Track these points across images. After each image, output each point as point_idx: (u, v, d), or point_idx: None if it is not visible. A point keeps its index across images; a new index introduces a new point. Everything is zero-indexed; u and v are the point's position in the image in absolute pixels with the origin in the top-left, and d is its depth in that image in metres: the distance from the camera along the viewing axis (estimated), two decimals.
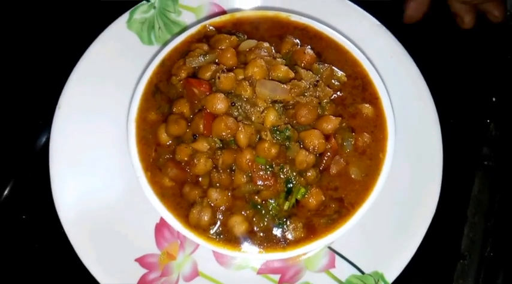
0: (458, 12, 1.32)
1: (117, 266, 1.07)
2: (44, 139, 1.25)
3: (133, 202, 1.11)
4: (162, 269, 1.09)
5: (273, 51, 1.08)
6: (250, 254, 0.97)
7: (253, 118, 0.96)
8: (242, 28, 1.15)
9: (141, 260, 1.09)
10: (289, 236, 0.98)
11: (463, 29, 1.34)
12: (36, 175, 1.21)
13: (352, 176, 1.03)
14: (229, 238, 0.97)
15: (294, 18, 1.15)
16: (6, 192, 1.22)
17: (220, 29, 1.13)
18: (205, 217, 0.96)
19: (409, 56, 1.24)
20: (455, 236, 1.26)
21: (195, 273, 1.09)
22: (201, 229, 0.98)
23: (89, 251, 1.07)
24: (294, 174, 0.96)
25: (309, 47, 1.10)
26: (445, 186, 1.13)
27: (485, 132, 1.34)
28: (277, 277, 1.10)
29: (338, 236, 0.99)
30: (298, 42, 1.13)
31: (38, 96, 1.29)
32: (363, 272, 1.08)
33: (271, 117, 0.95)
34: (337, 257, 1.11)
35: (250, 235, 0.98)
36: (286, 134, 0.95)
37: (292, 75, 1.02)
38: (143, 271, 1.08)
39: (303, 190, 0.97)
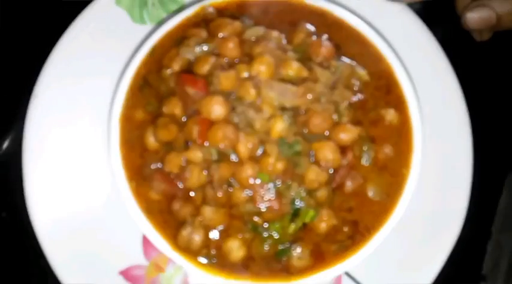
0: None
1: (98, 280, 0.96)
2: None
3: (119, 206, 0.97)
4: None
5: (284, 41, 0.92)
6: None
7: (256, 126, 0.81)
8: (248, 11, 0.97)
9: (126, 273, 0.98)
10: (294, 264, 0.85)
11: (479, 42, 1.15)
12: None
13: (370, 195, 0.88)
14: (223, 264, 0.84)
15: (309, 1, 0.97)
16: None
17: (222, 12, 0.96)
18: (197, 239, 0.83)
19: (441, 49, 1.08)
20: (476, 255, 1.13)
21: None
22: (192, 253, 0.84)
23: (66, 264, 0.95)
24: (303, 194, 0.82)
25: (327, 37, 0.94)
26: None
27: None
28: None
29: (350, 266, 0.86)
30: (314, 30, 0.96)
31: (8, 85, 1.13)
32: None
33: (279, 128, 0.80)
34: (344, 277, 0.99)
35: (248, 262, 0.85)
36: (296, 149, 0.80)
37: (305, 74, 0.85)
38: None
39: (312, 213, 0.83)
